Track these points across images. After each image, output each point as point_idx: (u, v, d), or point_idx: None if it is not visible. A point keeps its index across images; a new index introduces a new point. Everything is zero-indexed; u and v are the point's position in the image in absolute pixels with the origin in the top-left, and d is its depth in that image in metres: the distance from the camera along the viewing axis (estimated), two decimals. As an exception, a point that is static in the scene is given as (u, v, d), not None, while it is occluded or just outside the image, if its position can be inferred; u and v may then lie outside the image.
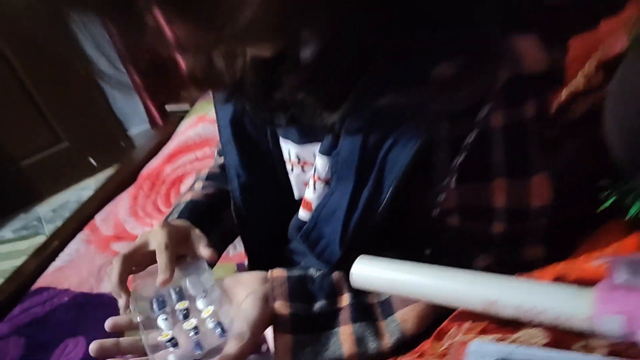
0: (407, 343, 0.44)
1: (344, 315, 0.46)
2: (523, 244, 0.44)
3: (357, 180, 0.42)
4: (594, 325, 0.26)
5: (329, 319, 0.46)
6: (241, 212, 0.60)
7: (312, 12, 0.33)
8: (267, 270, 0.51)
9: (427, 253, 0.46)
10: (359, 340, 0.44)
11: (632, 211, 0.33)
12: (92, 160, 2.58)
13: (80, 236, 1.08)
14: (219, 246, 0.63)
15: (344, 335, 0.45)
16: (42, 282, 0.97)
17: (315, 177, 0.48)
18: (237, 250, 0.93)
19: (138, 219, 1.09)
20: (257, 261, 0.64)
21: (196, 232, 0.56)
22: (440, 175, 0.40)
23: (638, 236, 0.34)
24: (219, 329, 0.46)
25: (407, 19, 0.35)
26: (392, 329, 0.44)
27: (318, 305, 0.47)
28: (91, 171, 2.52)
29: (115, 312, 0.89)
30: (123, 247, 1.02)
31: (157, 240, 0.52)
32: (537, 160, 0.40)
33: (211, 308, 0.48)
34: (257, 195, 0.59)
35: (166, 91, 2.18)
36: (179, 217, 0.59)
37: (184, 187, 1.15)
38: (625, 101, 0.33)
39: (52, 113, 2.38)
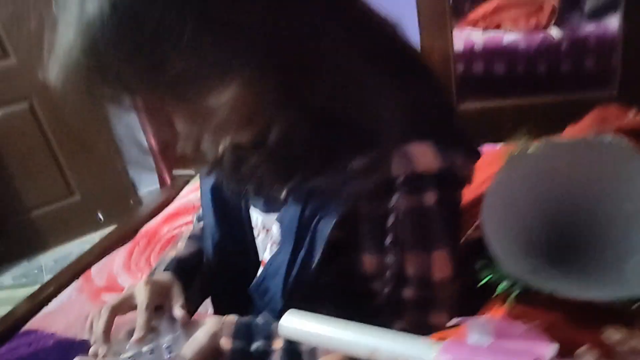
0: None
1: (276, 356, 0.53)
2: (430, 311, 0.52)
3: (295, 243, 0.52)
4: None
5: (263, 358, 0.53)
6: (212, 269, 0.68)
7: (269, 115, 0.46)
8: None
9: (358, 311, 0.54)
10: None
11: (499, 290, 0.41)
12: (100, 216, 2.68)
13: (74, 284, 1.15)
14: (198, 298, 0.71)
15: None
16: (32, 324, 1.03)
17: (272, 241, 0.58)
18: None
19: (130, 272, 1.17)
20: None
21: (175, 289, 0.62)
22: (366, 247, 0.50)
23: (503, 306, 0.41)
24: (169, 353, 0.54)
25: (335, 126, 0.47)
26: None
27: (255, 345, 0.54)
28: (98, 225, 2.61)
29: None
30: (111, 298, 1.09)
31: (139, 297, 0.59)
32: (437, 238, 0.50)
33: (170, 337, 0.56)
34: (227, 255, 0.67)
35: (175, 159, 2.31)
36: (165, 269, 0.67)
37: (176, 246, 1.24)
38: (495, 206, 0.42)
39: (69, 166, 2.53)
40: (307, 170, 0.49)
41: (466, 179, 0.51)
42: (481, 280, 0.41)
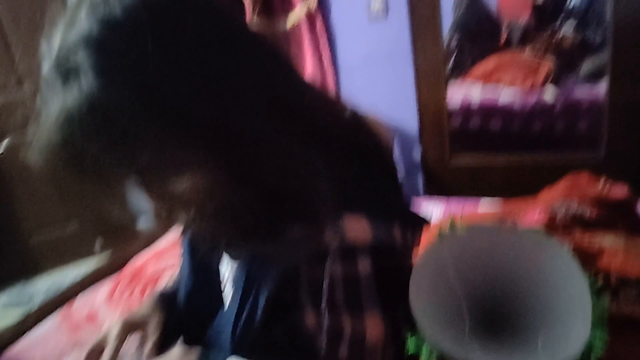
0: None
1: None
2: None
3: (241, 300, 0.57)
4: None
5: None
6: (183, 316, 0.73)
7: (222, 196, 0.52)
8: None
9: None
10: None
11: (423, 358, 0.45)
12: (97, 245, 2.71)
13: (57, 316, 1.19)
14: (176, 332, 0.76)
15: None
16: (11, 353, 1.06)
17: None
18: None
19: (111, 306, 1.20)
20: None
21: (152, 323, 0.70)
22: (306, 307, 0.55)
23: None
24: None
25: (278, 200, 0.51)
26: None
27: None
28: (93, 253, 2.64)
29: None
30: (90, 333, 1.12)
31: (110, 336, 0.67)
32: (369, 304, 0.54)
33: None
34: (197, 303, 0.72)
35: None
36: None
37: (158, 286, 1.27)
38: (422, 280, 0.47)
39: (70, 194, 2.57)
40: (253, 236, 0.54)
41: (407, 248, 0.55)
42: (408, 350, 0.45)
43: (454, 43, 2.91)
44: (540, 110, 2.57)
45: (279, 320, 0.56)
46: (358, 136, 0.60)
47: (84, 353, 0.66)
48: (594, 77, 2.64)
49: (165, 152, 0.45)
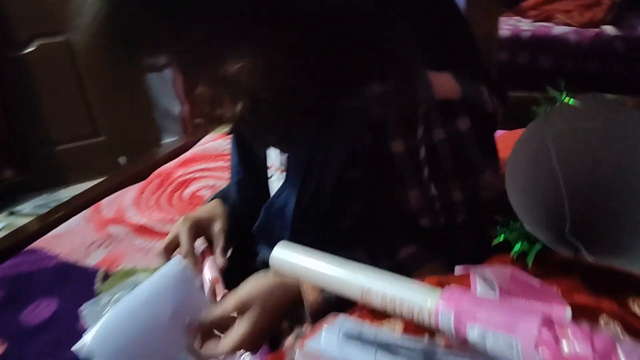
0: None
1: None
2: (484, 230, 0.50)
3: (302, 182, 0.50)
4: (432, 318, 0.29)
5: None
6: (237, 205, 0.71)
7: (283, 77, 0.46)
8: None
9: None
10: None
11: (515, 249, 0.37)
12: (121, 160, 2.71)
13: (84, 213, 1.16)
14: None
15: None
16: (37, 243, 1.04)
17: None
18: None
19: (139, 209, 1.16)
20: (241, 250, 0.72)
21: (217, 223, 0.67)
22: (407, 184, 0.50)
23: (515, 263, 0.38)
24: None
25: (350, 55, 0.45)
26: None
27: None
28: (119, 168, 2.65)
29: (90, 285, 0.95)
30: (117, 230, 1.09)
31: (182, 239, 0.66)
32: (479, 163, 0.50)
33: None
34: (249, 191, 0.70)
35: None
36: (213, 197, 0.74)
37: (187, 190, 1.23)
38: (516, 169, 0.39)
39: (98, 107, 2.55)
40: (323, 102, 0.48)
41: (494, 116, 0.50)
42: (495, 237, 0.37)
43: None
44: (599, 48, 2.36)
45: (349, 200, 0.51)
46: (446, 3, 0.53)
47: (158, 251, 0.66)
48: (661, 15, 2.41)
49: (223, 24, 0.40)
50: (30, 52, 2.34)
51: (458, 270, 0.34)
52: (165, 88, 2.54)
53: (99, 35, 0.40)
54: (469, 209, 0.51)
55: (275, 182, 0.63)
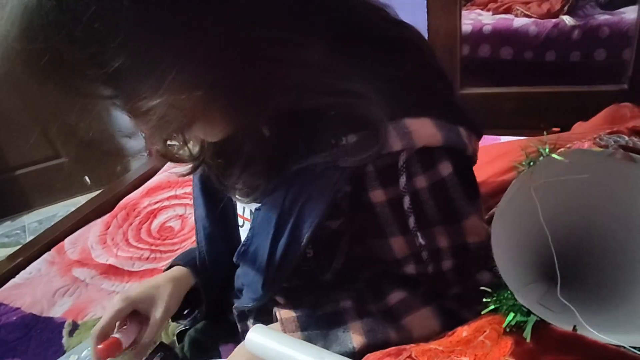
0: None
1: (350, 314, 0.51)
2: (473, 274, 0.51)
3: (276, 230, 0.49)
4: None
5: (335, 317, 0.51)
6: (205, 261, 0.67)
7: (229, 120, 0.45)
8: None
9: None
10: (369, 333, 0.49)
11: (508, 321, 0.35)
12: (87, 179, 2.61)
13: (46, 256, 1.09)
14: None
15: (354, 330, 0.49)
16: (-4, 296, 0.97)
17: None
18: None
19: (105, 247, 1.11)
20: (213, 305, 0.69)
21: (155, 315, 0.62)
22: (386, 231, 0.48)
23: (509, 341, 0.36)
24: None
25: (313, 115, 0.44)
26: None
27: (321, 310, 0.52)
28: (84, 189, 2.54)
29: (57, 338, 0.89)
30: (83, 273, 1.03)
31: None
32: (464, 207, 0.48)
33: None
34: (218, 244, 0.66)
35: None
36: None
37: (156, 222, 1.17)
38: (502, 229, 0.37)
39: (55, 128, 2.44)
40: (294, 158, 0.47)
41: (473, 156, 0.49)
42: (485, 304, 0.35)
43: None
44: (557, 38, 2.40)
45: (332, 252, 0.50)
46: (406, 34, 0.51)
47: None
48: (614, 4, 2.47)
49: (148, 52, 0.36)
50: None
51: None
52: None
53: (11, 59, 0.37)
54: (456, 256, 0.49)
55: (244, 232, 0.61)
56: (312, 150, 0.45)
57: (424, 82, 0.49)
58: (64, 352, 0.82)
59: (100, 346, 0.56)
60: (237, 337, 0.62)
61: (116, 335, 0.58)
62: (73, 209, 2.45)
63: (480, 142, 0.52)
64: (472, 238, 0.49)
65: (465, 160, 0.49)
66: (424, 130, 0.45)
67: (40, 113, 2.34)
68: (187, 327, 0.71)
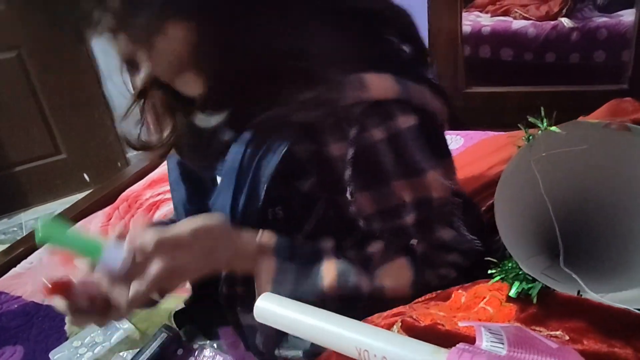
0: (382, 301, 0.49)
1: (328, 254, 0.51)
2: (434, 229, 0.51)
3: (237, 183, 0.50)
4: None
5: (313, 254, 0.51)
6: None
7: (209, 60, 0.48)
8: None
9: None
10: (340, 275, 0.49)
11: (513, 291, 0.36)
12: (86, 176, 2.61)
13: (47, 246, 1.09)
14: None
15: (327, 269, 0.49)
16: (-3, 285, 0.97)
17: None
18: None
19: (106, 236, 1.11)
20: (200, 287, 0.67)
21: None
22: (351, 186, 0.49)
23: (513, 308, 0.36)
24: None
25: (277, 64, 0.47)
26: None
27: (300, 246, 0.52)
28: (83, 186, 2.54)
29: (60, 325, 0.89)
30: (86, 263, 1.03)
31: None
32: (425, 161, 0.48)
33: None
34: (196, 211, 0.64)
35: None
36: None
37: (158, 213, 1.17)
38: (504, 202, 0.37)
39: (56, 124, 2.44)
40: (253, 106, 0.49)
41: (439, 115, 0.50)
42: (491, 276, 0.36)
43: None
44: (556, 39, 2.42)
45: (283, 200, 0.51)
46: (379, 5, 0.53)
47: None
48: (612, 7, 2.50)
49: None
50: (-23, 71, 2.22)
51: (462, 324, 0.32)
52: (126, 100, 2.46)
53: None
54: (418, 209, 0.50)
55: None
56: (272, 105, 0.47)
57: (390, 44, 0.51)
58: (66, 339, 0.82)
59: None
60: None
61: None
62: (69, 206, 2.45)
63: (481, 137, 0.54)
64: (434, 193, 0.50)
65: (428, 117, 0.49)
66: (382, 83, 0.46)
67: (56, 104, 2.35)
68: (183, 309, 0.71)
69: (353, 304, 0.49)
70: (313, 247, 0.52)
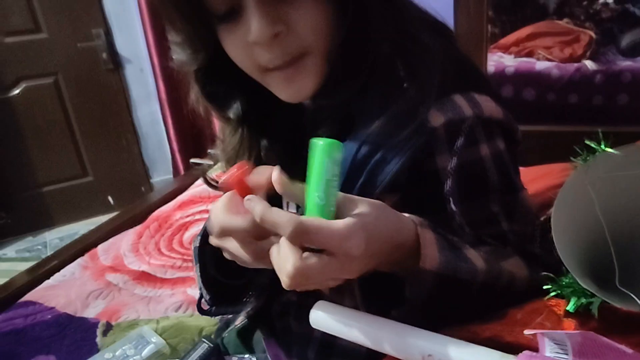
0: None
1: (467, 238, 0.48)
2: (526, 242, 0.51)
3: (344, 186, 0.45)
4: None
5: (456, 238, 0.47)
6: None
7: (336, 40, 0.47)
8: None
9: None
10: (486, 259, 0.45)
11: (571, 306, 0.36)
12: (110, 199, 2.66)
13: (79, 261, 1.11)
14: None
15: (470, 253, 0.45)
16: (31, 296, 0.99)
17: None
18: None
19: (137, 255, 1.13)
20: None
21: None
22: (454, 199, 0.47)
23: (572, 323, 0.36)
24: None
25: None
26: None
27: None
28: (107, 209, 2.58)
29: (92, 337, 0.90)
30: (116, 278, 1.04)
31: None
32: (517, 181, 0.52)
33: None
34: None
35: (196, 148, 2.32)
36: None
37: (188, 234, 1.20)
38: (561, 221, 0.38)
39: (85, 147, 2.52)
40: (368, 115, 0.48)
41: (521, 143, 0.53)
42: (545, 291, 0.36)
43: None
44: (580, 81, 2.44)
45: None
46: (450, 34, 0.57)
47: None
48: (635, 51, 2.52)
49: None
50: (16, 94, 2.32)
51: (526, 333, 0.32)
52: (154, 128, 2.53)
53: None
54: (511, 221, 0.50)
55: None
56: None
57: (476, 68, 0.54)
58: (97, 351, 0.83)
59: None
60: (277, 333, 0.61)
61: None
62: (93, 227, 2.49)
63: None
64: (524, 209, 0.51)
65: (515, 143, 0.52)
66: (488, 104, 0.48)
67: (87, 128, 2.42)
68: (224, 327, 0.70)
69: (493, 292, 0.45)
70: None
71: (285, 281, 0.35)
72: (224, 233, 0.41)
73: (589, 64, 2.48)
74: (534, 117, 2.37)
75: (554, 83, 2.49)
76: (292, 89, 0.49)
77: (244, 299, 0.62)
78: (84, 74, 2.38)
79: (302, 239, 0.34)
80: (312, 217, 0.35)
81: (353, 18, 0.46)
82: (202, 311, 0.60)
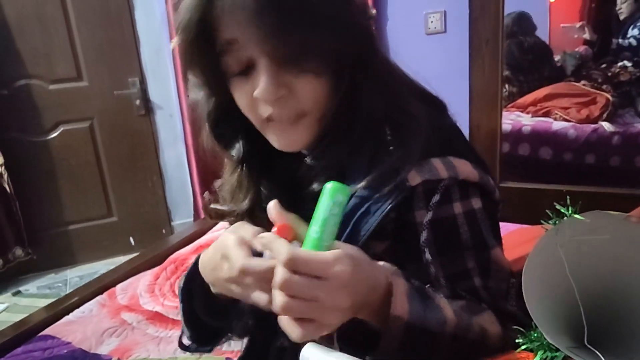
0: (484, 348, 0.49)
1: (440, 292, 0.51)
2: (499, 299, 0.54)
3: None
4: None
5: (429, 289, 0.51)
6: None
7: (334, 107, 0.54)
8: None
9: None
10: (456, 310, 0.48)
11: (537, 358, 0.39)
12: (131, 240, 2.73)
13: (98, 298, 1.16)
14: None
15: (442, 302, 0.48)
16: (50, 330, 1.04)
17: None
18: (231, 346, 0.97)
19: (152, 296, 1.17)
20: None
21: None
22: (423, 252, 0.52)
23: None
24: None
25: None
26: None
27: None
28: (128, 249, 2.65)
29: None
30: (131, 317, 1.09)
31: None
32: (490, 239, 0.55)
33: None
34: None
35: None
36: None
37: (202, 277, 1.24)
38: (532, 279, 0.42)
39: (113, 188, 2.62)
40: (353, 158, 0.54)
41: (499, 203, 0.57)
42: (517, 345, 0.39)
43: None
44: (597, 142, 2.46)
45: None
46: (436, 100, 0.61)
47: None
48: (653, 113, 2.54)
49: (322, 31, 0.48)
50: (54, 137, 2.46)
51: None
52: (179, 170, 2.62)
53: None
54: (483, 278, 0.53)
55: None
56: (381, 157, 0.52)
57: (459, 135, 0.59)
58: (109, 387, 0.86)
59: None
60: None
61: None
62: (113, 267, 2.55)
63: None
64: (495, 267, 0.54)
65: (493, 203, 0.56)
66: (465, 167, 0.53)
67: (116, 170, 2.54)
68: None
69: (463, 345, 0.47)
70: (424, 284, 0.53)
71: (276, 298, 0.40)
72: (245, 273, 0.45)
73: (606, 126, 2.51)
74: (550, 176, 2.39)
75: (570, 143, 2.52)
76: (286, 139, 0.55)
77: (223, 340, 0.67)
78: (118, 119, 2.52)
79: (294, 266, 0.39)
80: (306, 249, 0.40)
81: (347, 90, 0.52)
82: (182, 346, 0.65)
